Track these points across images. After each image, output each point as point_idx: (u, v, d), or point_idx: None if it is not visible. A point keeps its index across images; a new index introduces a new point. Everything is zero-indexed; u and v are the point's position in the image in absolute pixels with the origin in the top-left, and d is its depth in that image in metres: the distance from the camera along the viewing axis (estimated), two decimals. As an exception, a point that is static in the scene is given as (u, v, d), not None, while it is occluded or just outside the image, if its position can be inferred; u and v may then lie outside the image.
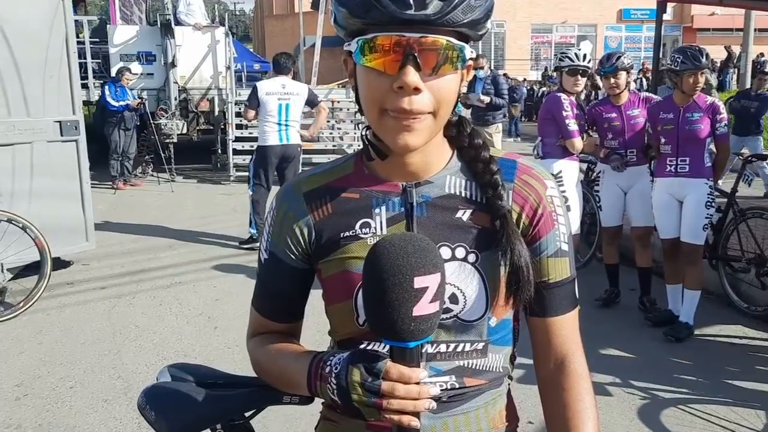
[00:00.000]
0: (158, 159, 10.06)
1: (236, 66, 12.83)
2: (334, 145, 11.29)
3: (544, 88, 17.51)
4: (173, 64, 10.52)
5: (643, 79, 15.77)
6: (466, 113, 7.47)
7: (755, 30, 13.59)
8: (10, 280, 4.71)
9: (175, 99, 10.67)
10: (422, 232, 0.94)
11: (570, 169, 4.33)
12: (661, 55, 7.53)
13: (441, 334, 0.95)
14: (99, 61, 11.55)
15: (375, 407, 0.82)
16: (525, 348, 1.07)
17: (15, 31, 4.79)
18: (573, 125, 4.19)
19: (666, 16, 8.01)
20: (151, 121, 9.89)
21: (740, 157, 4.99)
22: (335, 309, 1.01)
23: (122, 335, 4.09)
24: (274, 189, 5.85)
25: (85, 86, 9.49)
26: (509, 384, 1.08)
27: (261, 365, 1.07)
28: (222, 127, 10.93)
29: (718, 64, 18.05)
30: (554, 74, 4.95)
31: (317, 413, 1.11)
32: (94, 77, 10.50)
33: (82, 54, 8.32)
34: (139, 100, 9.77)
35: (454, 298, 0.94)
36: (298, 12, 19.25)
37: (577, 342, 1.02)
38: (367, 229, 0.97)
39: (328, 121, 11.12)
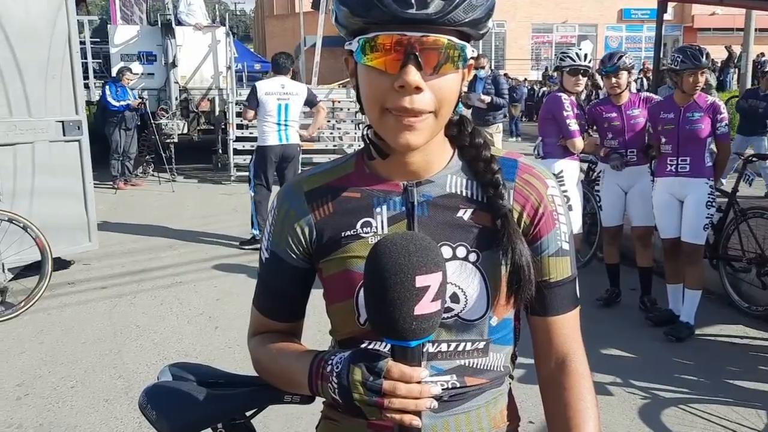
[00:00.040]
0: (159, 159, 10.06)
1: (237, 66, 12.83)
2: (334, 145, 11.29)
3: (544, 88, 17.50)
4: (174, 64, 10.52)
5: (644, 79, 15.76)
6: (467, 113, 7.47)
7: (756, 30, 13.55)
8: (11, 279, 4.71)
9: (176, 99, 10.68)
10: (423, 231, 0.94)
11: (571, 169, 4.34)
12: (661, 55, 7.52)
13: (442, 333, 0.95)
14: (100, 61, 11.56)
15: (376, 406, 0.82)
16: (526, 347, 1.07)
17: (17, 30, 4.79)
18: (574, 125, 4.19)
19: (666, 16, 8.01)
20: (152, 121, 9.89)
21: (741, 157, 4.98)
22: (336, 308, 1.01)
23: (123, 335, 4.10)
24: (275, 189, 5.86)
25: (85, 86, 9.48)
26: (510, 383, 1.08)
27: (262, 364, 1.07)
28: (223, 127, 10.93)
29: (719, 64, 18.04)
30: (555, 74, 4.95)
31: (318, 413, 1.11)
32: (94, 77, 10.50)
33: (83, 54, 8.31)
34: (140, 100, 9.77)
35: (455, 298, 0.94)
36: (299, 12, 19.26)
37: (578, 341, 1.02)
38: (368, 229, 0.97)
39: (329, 121, 11.12)
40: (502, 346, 1.01)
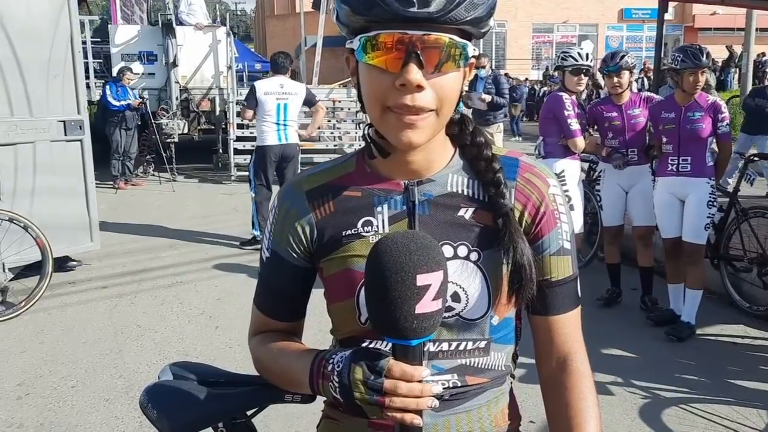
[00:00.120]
0: (159, 159, 10.07)
1: (237, 66, 12.85)
2: (335, 145, 11.29)
3: (545, 88, 17.50)
4: (174, 64, 10.53)
5: (645, 79, 15.75)
6: (467, 113, 7.47)
7: (757, 29, 13.56)
8: (11, 279, 4.71)
9: (177, 99, 10.68)
10: (424, 230, 0.94)
11: (572, 169, 4.34)
12: (662, 55, 7.51)
13: (443, 332, 0.95)
14: (100, 60, 11.57)
15: (377, 405, 0.82)
16: (527, 347, 1.07)
17: (18, 30, 4.79)
18: (575, 124, 4.19)
19: (667, 16, 7.99)
20: (153, 121, 9.90)
21: (743, 157, 4.97)
22: (337, 307, 1.00)
23: (124, 335, 4.10)
24: (275, 189, 5.86)
25: (86, 86, 9.50)
26: (511, 382, 1.08)
27: (263, 364, 1.07)
28: (223, 126, 10.94)
29: (720, 64, 18.04)
30: (556, 73, 4.95)
31: (319, 412, 1.11)
32: (95, 77, 10.50)
33: (83, 54, 8.34)
34: (141, 100, 9.78)
35: (456, 297, 0.94)
36: (300, 12, 19.26)
37: (580, 340, 1.02)
38: (369, 228, 0.97)
39: (329, 121, 11.12)
40: (503, 346, 1.01)
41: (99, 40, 12.11)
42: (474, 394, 0.99)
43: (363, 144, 1.02)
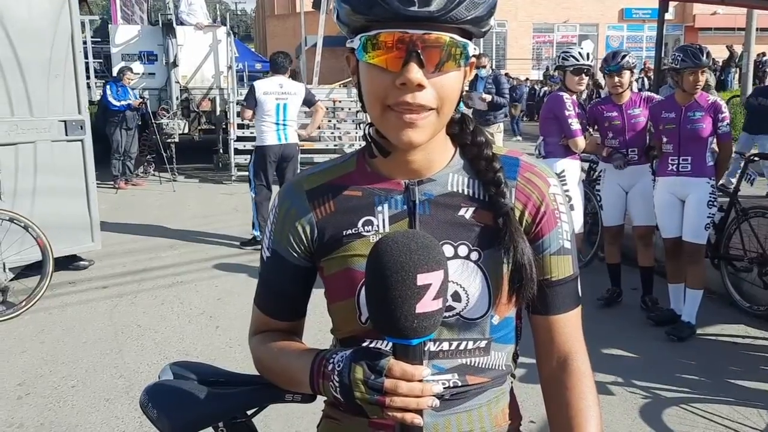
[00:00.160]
0: (160, 159, 10.07)
1: (238, 66, 12.85)
2: (335, 145, 11.30)
3: (545, 88, 17.51)
4: (175, 64, 10.53)
5: (645, 79, 15.75)
6: (468, 112, 7.47)
7: (757, 29, 13.55)
8: (12, 279, 4.71)
9: (177, 99, 10.69)
10: (425, 229, 0.94)
11: (572, 168, 4.34)
12: (663, 55, 7.50)
13: (443, 332, 0.95)
14: (100, 60, 11.57)
15: (378, 405, 0.82)
16: (527, 346, 1.07)
17: (19, 29, 4.78)
18: (576, 124, 4.19)
19: (668, 16, 7.99)
20: (153, 121, 9.90)
21: (743, 157, 4.97)
22: (338, 307, 1.00)
23: (124, 334, 4.10)
24: (275, 189, 5.85)
25: (87, 86, 9.50)
26: (512, 382, 1.08)
27: (263, 363, 1.07)
28: (223, 126, 10.94)
29: (720, 64, 18.02)
30: (556, 73, 4.94)
31: (319, 411, 1.11)
32: (95, 77, 10.50)
33: (84, 53, 8.35)
34: (141, 100, 9.78)
35: (456, 296, 0.94)
36: (300, 12, 19.27)
37: (580, 340, 1.02)
38: (370, 227, 0.97)
39: (329, 121, 11.12)
40: (504, 345, 1.01)
41: (99, 40, 12.12)
42: (474, 394, 0.99)
43: (363, 144, 1.02)
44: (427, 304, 0.79)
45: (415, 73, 0.84)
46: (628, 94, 4.28)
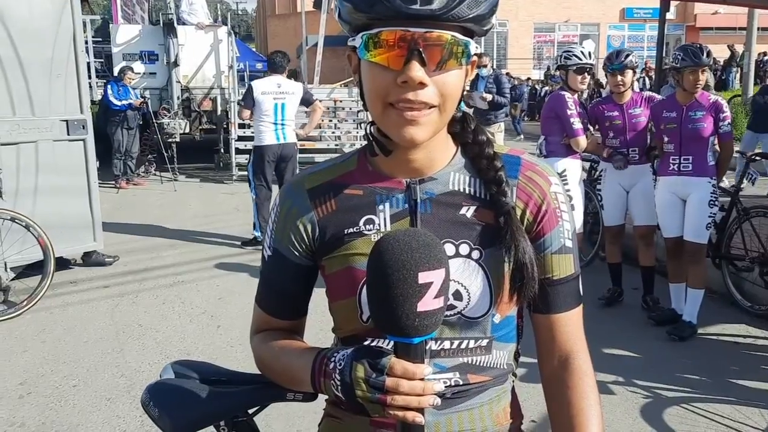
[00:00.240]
0: (161, 158, 10.07)
1: (239, 65, 12.85)
2: (336, 145, 11.31)
3: (546, 87, 17.50)
4: (176, 64, 10.54)
5: (646, 78, 15.74)
6: (469, 111, 7.45)
7: (758, 29, 13.52)
8: (13, 278, 4.72)
9: (178, 98, 10.70)
10: (426, 228, 0.94)
11: (573, 168, 4.34)
12: (664, 54, 7.49)
13: (445, 330, 0.95)
14: (101, 60, 11.58)
15: (379, 403, 0.82)
16: (528, 345, 1.07)
17: (20, 29, 4.79)
18: (577, 123, 4.19)
19: (669, 15, 7.97)
20: (154, 121, 9.91)
21: (745, 156, 4.97)
22: (339, 306, 1.00)
23: (125, 334, 4.10)
24: (275, 189, 5.86)
25: (88, 86, 9.52)
26: (513, 381, 1.08)
27: (264, 362, 1.07)
28: (224, 126, 10.95)
29: (721, 63, 18.01)
30: (557, 73, 4.94)
31: (320, 410, 1.11)
32: (96, 76, 10.52)
33: (85, 53, 8.36)
34: (142, 100, 9.79)
35: (458, 295, 0.94)
36: (301, 11, 19.25)
37: (582, 339, 1.02)
38: (371, 226, 0.97)
39: (330, 120, 11.13)
40: (505, 344, 1.01)
41: (100, 39, 12.14)
42: (476, 393, 0.99)
43: (364, 143, 1.02)
44: (428, 303, 0.79)
45: (416, 71, 0.84)
46: (629, 93, 4.28)
